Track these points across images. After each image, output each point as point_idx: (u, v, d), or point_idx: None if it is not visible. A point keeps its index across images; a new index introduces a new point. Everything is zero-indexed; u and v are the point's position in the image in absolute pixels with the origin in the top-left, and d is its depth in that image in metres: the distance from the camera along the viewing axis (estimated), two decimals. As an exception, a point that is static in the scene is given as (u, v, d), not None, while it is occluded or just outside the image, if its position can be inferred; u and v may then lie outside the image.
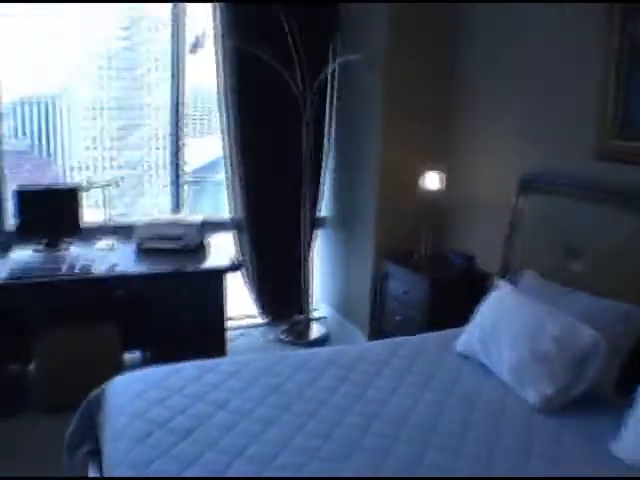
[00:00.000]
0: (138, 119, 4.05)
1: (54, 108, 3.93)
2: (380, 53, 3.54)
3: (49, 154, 3.94)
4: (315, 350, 2.60)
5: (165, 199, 4.14)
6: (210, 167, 4.40)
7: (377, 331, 3.62)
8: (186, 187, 4.14)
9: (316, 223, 4.18)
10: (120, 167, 4.05)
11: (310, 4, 3.71)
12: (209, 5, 3.66)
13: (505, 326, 2.27)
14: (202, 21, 3.78)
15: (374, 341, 3.01)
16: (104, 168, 4.02)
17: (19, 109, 3.85)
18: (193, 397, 2.00)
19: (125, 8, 3.81)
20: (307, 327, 4.05)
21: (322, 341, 3.93)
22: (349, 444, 1.76)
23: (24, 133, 3.89)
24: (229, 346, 3.39)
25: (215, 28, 3.68)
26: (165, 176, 4.10)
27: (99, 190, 3.66)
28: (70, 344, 2.97)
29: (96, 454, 2.00)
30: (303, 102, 3.70)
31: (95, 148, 4.03)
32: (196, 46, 3.64)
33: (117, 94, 3.93)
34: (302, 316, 4.10)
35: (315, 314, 4.31)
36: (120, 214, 3.96)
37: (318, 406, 1.98)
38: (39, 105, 3.91)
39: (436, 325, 2.85)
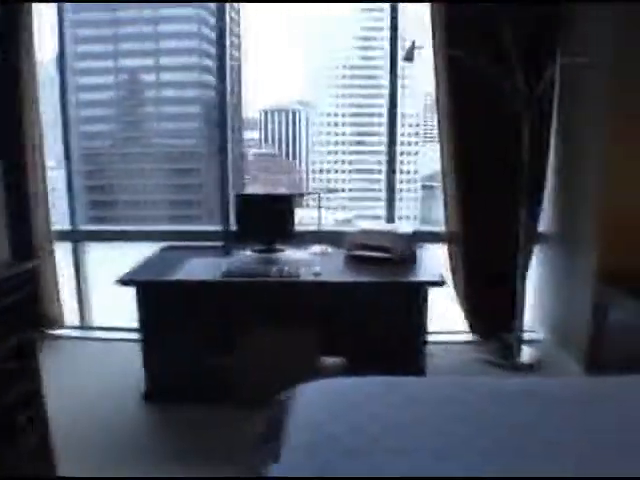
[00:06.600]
0: (377, 126, 4.37)
1: (296, 116, 4.54)
2: (608, 54, 3.17)
3: (293, 158, 4.59)
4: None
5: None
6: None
7: (596, 365, 3.23)
8: (417, 194, 4.50)
9: (535, 239, 3.89)
10: (358, 171, 4.52)
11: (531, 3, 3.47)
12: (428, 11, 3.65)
13: None
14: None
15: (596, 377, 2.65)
16: (343, 172, 4.48)
17: (263, 118, 4.59)
18: (372, 416, 1.93)
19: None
20: (518, 349, 3.75)
21: (530, 367, 3.61)
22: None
23: (266, 140, 4.58)
24: (428, 361, 3.27)
25: (433, 34, 3.67)
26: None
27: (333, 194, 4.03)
28: (269, 344, 3.09)
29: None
30: (525, 106, 3.45)
31: (335, 153, 4.54)
32: (411, 54, 3.58)
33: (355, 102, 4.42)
34: (511, 335, 3.78)
35: (528, 336, 3.95)
36: (345, 220, 4.30)
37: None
38: (284, 114, 4.61)
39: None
